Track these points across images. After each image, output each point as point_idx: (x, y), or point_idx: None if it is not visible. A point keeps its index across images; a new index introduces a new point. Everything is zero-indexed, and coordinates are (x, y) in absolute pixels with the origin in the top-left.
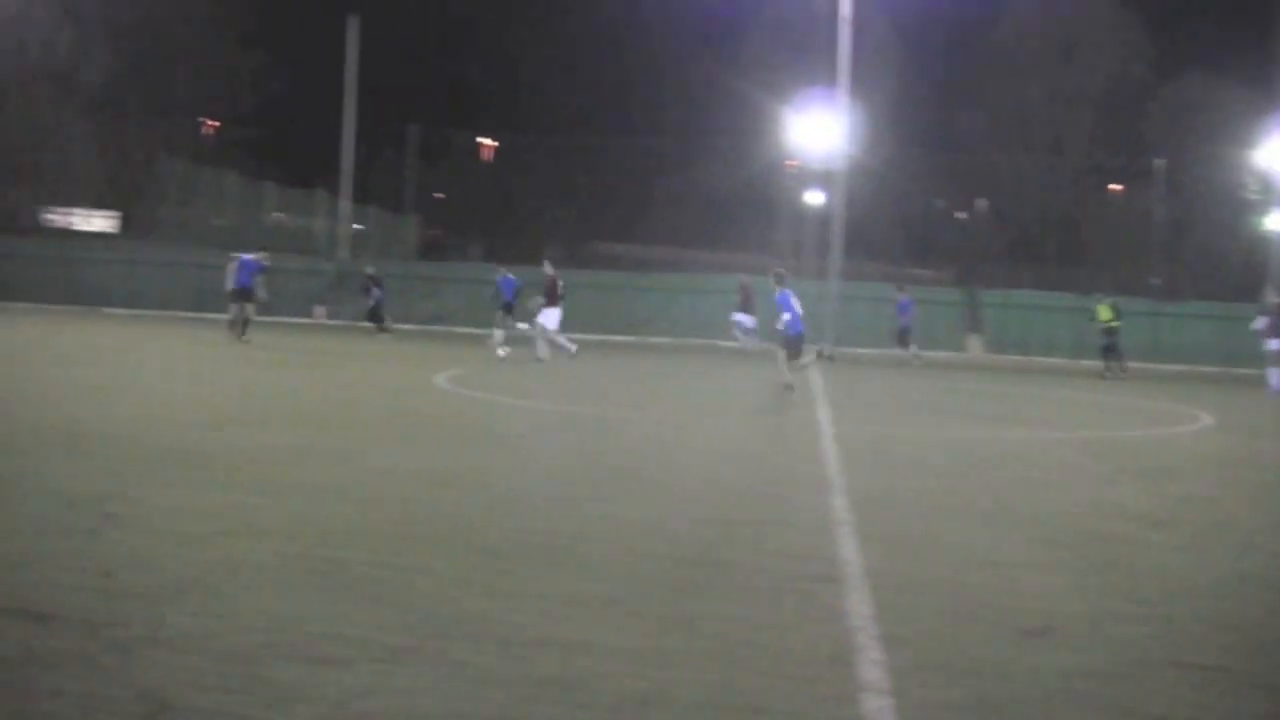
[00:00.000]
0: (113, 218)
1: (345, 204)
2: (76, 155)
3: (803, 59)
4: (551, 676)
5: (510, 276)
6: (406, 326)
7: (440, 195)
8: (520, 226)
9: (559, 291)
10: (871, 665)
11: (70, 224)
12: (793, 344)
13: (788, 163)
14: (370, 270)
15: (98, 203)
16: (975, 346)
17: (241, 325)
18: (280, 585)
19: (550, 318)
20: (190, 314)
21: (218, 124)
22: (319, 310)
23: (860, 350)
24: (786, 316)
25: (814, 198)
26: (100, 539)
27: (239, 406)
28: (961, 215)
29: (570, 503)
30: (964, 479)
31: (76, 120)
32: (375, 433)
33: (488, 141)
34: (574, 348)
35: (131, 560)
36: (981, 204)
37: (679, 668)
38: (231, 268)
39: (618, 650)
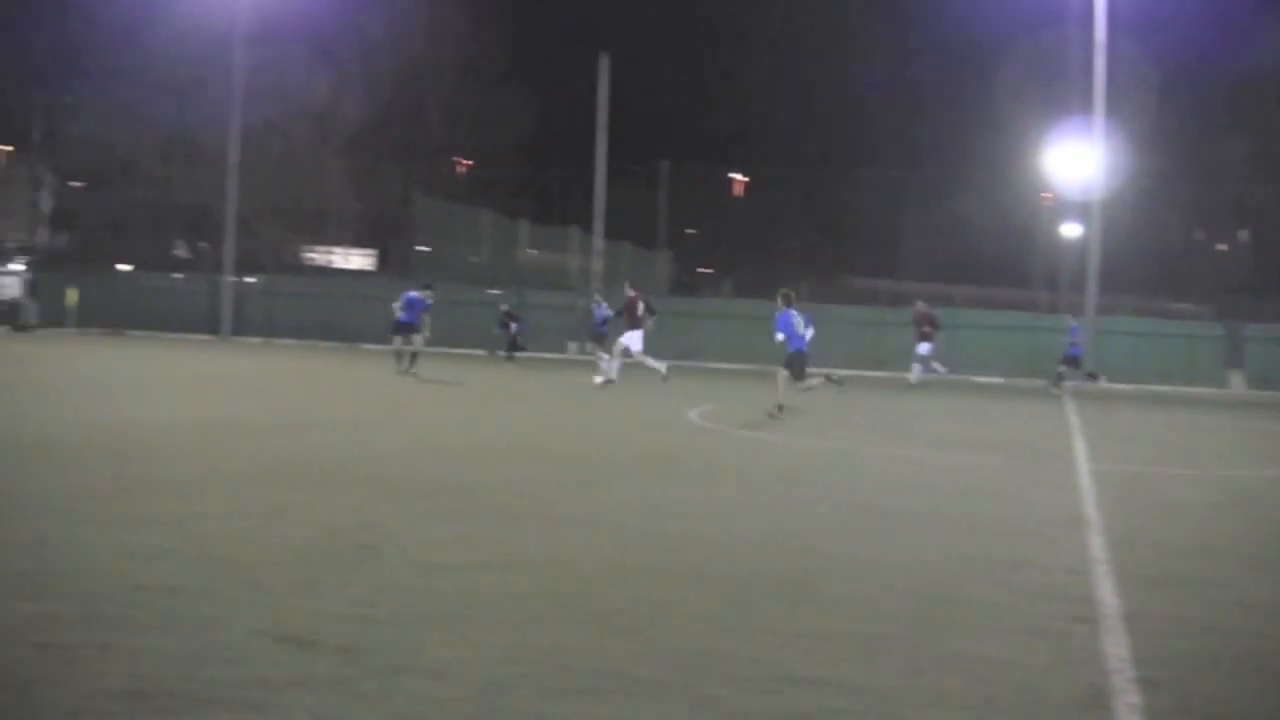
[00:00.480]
0: (370, 256)
1: (598, 240)
2: (335, 195)
3: (1058, 88)
4: (800, 714)
5: (603, 304)
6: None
7: (692, 230)
8: (771, 260)
9: (640, 312)
10: (1129, 710)
11: (330, 262)
12: (793, 363)
13: (1043, 195)
14: (505, 307)
15: (355, 241)
16: (1237, 382)
17: (409, 359)
18: (534, 617)
19: (633, 339)
20: (445, 350)
21: (471, 163)
22: (572, 346)
23: (1120, 386)
24: (780, 336)
25: (1070, 230)
26: (361, 568)
27: (496, 439)
28: (1222, 247)
29: (818, 538)
30: (1227, 519)
31: (335, 161)
32: (627, 467)
33: (739, 176)
34: (664, 369)
35: (390, 590)
36: (1243, 235)
37: (930, 708)
38: (397, 304)
39: (867, 689)
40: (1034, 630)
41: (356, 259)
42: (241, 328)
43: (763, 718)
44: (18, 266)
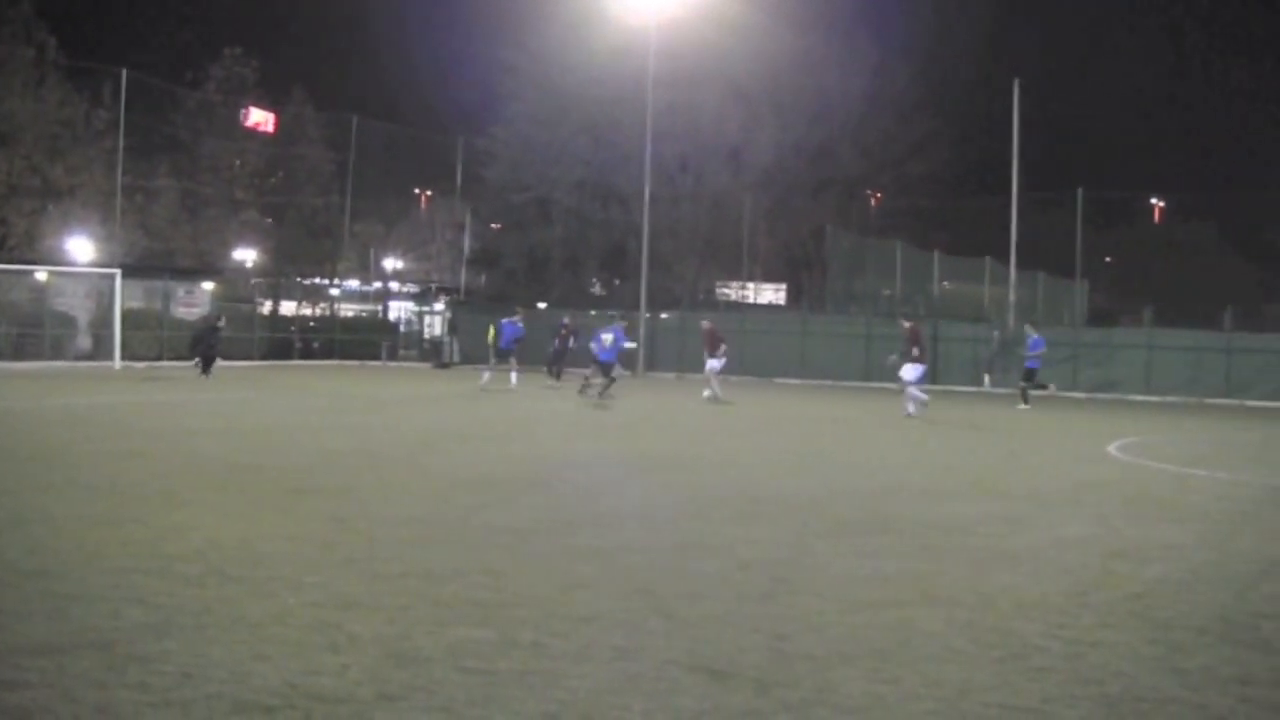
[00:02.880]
0: (782, 290)
1: (1012, 271)
2: (747, 230)
3: None
4: None
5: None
6: (1075, 394)
7: (1109, 259)
8: (1193, 289)
9: (918, 344)
10: None
11: (743, 296)
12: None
13: None
14: (566, 319)
15: (768, 275)
16: None
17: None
18: (948, 653)
19: (910, 372)
20: (859, 384)
21: (882, 195)
22: (987, 378)
23: None
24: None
25: None
26: (773, 602)
27: (910, 475)
28: None
29: (1260, 579)
30: None
31: (747, 196)
32: (1046, 501)
33: (1158, 202)
34: (925, 399)
35: (803, 624)
36: None
37: None
38: (491, 333)
39: None
40: None
41: (769, 293)
42: (655, 363)
43: None
44: (439, 306)
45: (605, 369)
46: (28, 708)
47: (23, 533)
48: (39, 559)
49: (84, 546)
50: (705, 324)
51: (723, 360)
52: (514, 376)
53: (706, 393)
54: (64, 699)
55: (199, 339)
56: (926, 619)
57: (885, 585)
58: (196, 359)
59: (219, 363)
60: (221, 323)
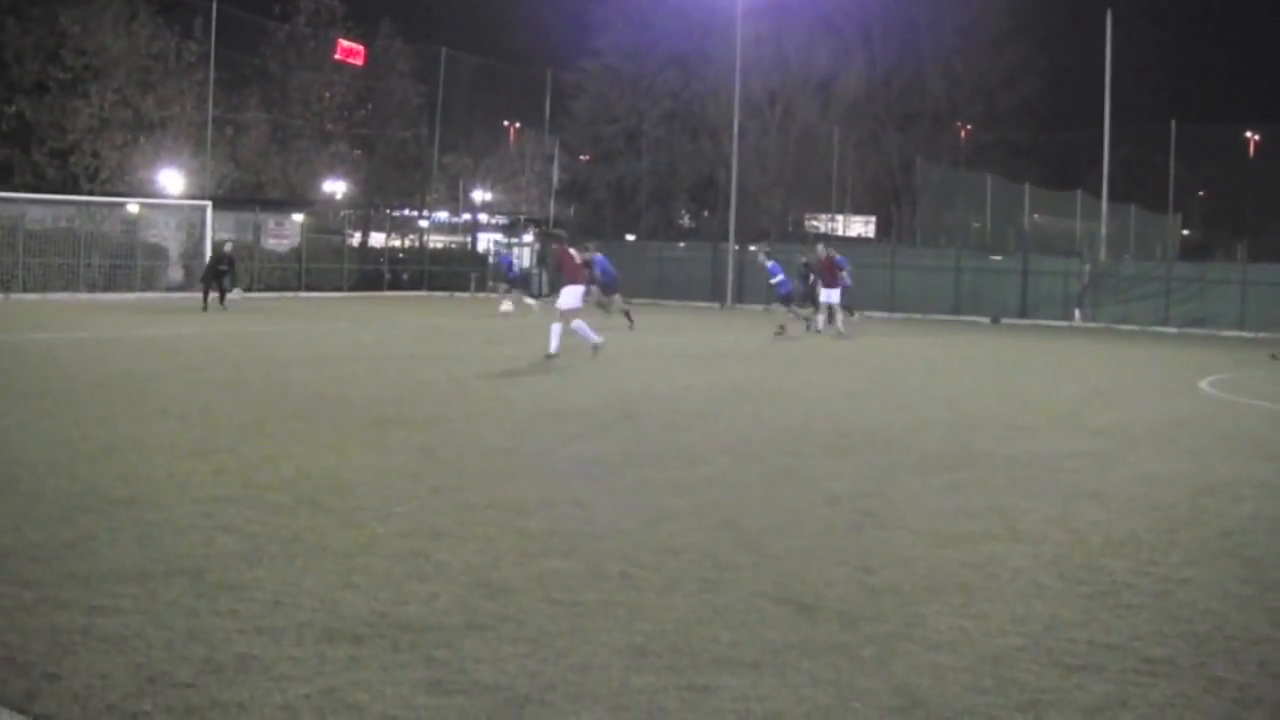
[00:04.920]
0: (871, 222)
1: (1104, 204)
2: (836, 163)
3: None
4: None
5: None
6: (1167, 329)
7: (1202, 193)
8: None
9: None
10: None
11: (831, 229)
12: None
13: None
14: (806, 259)
15: (856, 208)
16: None
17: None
18: (1036, 589)
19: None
20: (947, 317)
21: (972, 127)
22: (1078, 313)
23: None
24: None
25: None
26: (861, 536)
27: (999, 409)
28: None
29: None
30: None
31: (836, 129)
32: (1135, 438)
33: (1253, 135)
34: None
35: (890, 558)
36: None
37: None
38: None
39: None
40: None
41: (857, 226)
42: (743, 295)
43: (1275, 708)
44: (528, 238)
45: (786, 300)
46: (121, 633)
47: (115, 461)
48: (131, 487)
49: (175, 475)
50: (823, 252)
51: (839, 290)
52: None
53: (821, 325)
54: (156, 625)
55: (210, 270)
56: (1014, 554)
57: (972, 520)
58: (210, 290)
59: (237, 294)
60: (229, 248)
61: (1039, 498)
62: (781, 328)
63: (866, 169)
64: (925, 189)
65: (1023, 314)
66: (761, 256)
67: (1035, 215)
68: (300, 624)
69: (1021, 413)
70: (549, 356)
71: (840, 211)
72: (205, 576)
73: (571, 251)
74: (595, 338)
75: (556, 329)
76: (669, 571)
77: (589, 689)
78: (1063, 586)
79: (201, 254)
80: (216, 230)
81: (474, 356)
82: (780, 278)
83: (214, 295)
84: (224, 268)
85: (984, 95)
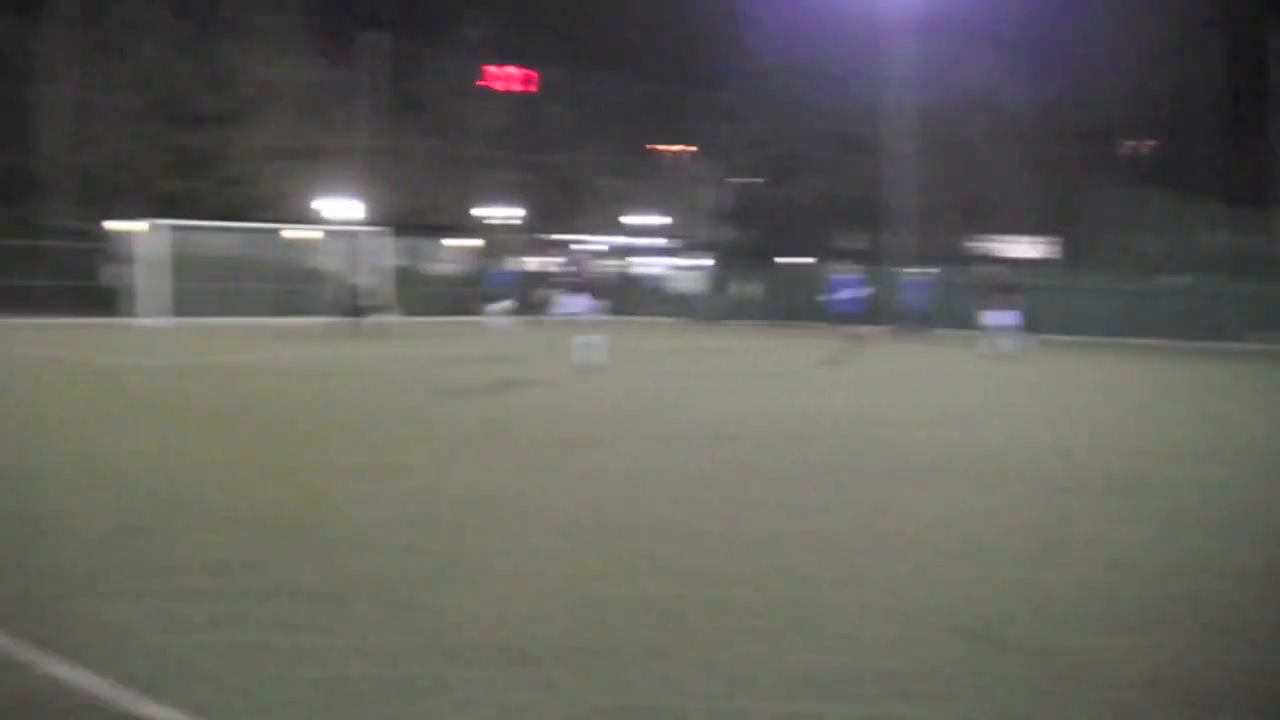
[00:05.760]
0: (1041, 244)
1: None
2: (1004, 182)
3: None
4: None
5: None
6: None
7: None
8: None
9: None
10: None
11: (1000, 251)
12: None
13: None
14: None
15: (1026, 229)
16: None
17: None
18: (1240, 625)
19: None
20: (1128, 340)
21: (1151, 143)
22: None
23: None
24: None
25: None
26: (1045, 566)
27: (1184, 436)
28: None
29: None
30: None
31: (1004, 147)
32: None
33: None
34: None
35: (1076, 589)
36: None
37: None
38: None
39: None
40: None
41: (1027, 247)
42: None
43: None
44: (698, 262)
45: (847, 319)
46: (307, 647)
47: (291, 482)
48: (308, 508)
49: (352, 496)
50: (996, 271)
51: (1012, 313)
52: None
53: (991, 347)
54: (335, 642)
55: (343, 299)
56: (1201, 586)
57: (1157, 552)
58: (353, 318)
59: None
60: (359, 279)
61: (1215, 528)
62: (855, 340)
63: (1034, 188)
64: (1096, 208)
65: (1199, 337)
66: (839, 272)
67: (1217, 234)
68: (478, 644)
69: (1207, 440)
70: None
71: (1007, 232)
72: (385, 596)
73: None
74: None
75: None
76: (854, 601)
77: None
78: (1231, 623)
79: (369, 279)
80: (386, 256)
81: (641, 379)
82: (850, 295)
83: (357, 320)
84: (363, 299)
85: (1160, 110)
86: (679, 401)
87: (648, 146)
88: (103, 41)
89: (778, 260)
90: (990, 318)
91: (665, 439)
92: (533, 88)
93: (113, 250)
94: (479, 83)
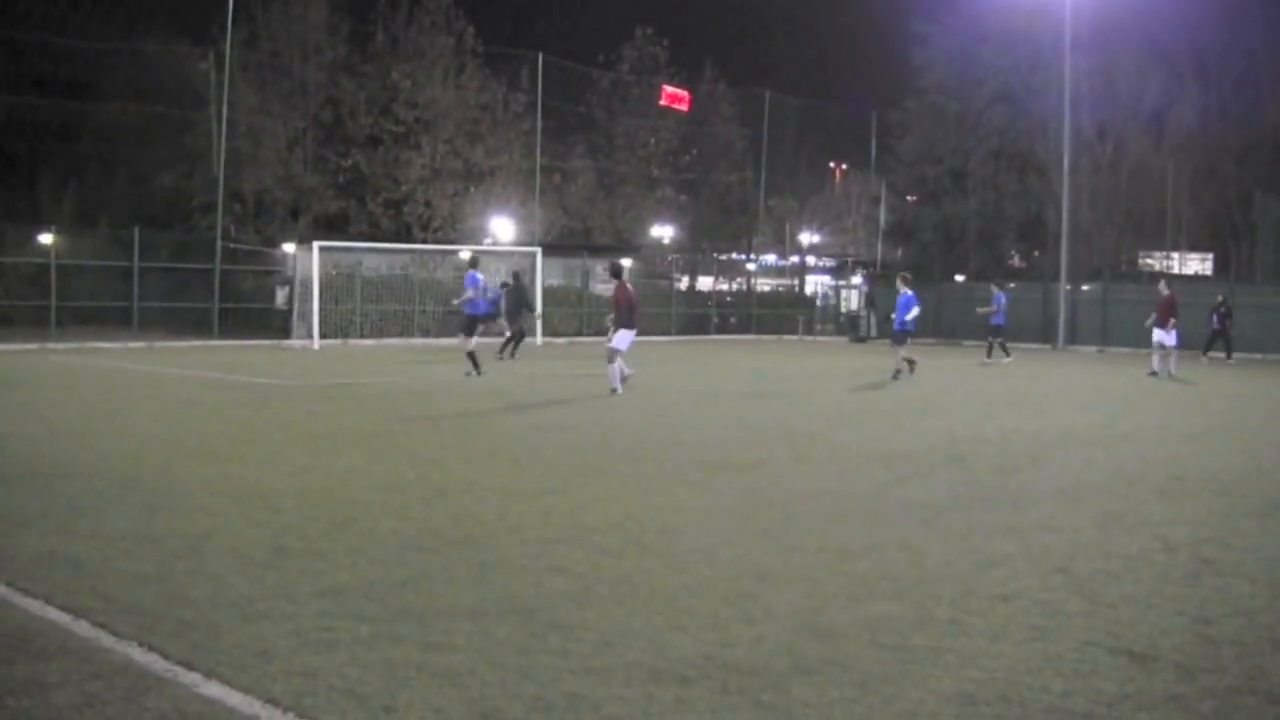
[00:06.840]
0: (1208, 259)
1: None
2: (1171, 198)
3: None
4: None
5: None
6: None
7: None
8: None
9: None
10: None
11: (1167, 267)
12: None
13: None
14: (1221, 295)
15: (1193, 245)
16: None
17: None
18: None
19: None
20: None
21: None
22: None
23: None
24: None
25: None
26: (1199, 584)
27: None
28: None
29: None
30: None
31: (1170, 163)
32: None
33: None
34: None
35: (1229, 607)
36: None
37: None
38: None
39: None
40: None
41: (1194, 263)
42: (1075, 337)
43: None
44: (857, 280)
45: (901, 337)
46: (455, 668)
47: (448, 502)
48: (464, 528)
49: (506, 517)
50: (1164, 290)
51: (1173, 333)
52: None
53: (1162, 365)
54: (488, 662)
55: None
56: None
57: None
58: (508, 336)
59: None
60: (457, 301)
61: None
62: (908, 365)
63: (1202, 203)
64: (1265, 223)
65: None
66: (899, 284)
67: None
68: (628, 664)
69: None
70: (613, 392)
71: (1175, 248)
72: (536, 616)
73: (629, 287)
74: (617, 383)
75: (614, 369)
76: (999, 618)
77: None
78: None
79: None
80: (545, 276)
81: (802, 399)
82: (914, 312)
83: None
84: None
85: None
86: (839, 423)
87: (819, 164)
88: (272, 64)
89: (948, 279)
90: (1159, 335)
91: (823, 460)
92: (683, 107)
93: (283, 272)
94: (647, 102)
